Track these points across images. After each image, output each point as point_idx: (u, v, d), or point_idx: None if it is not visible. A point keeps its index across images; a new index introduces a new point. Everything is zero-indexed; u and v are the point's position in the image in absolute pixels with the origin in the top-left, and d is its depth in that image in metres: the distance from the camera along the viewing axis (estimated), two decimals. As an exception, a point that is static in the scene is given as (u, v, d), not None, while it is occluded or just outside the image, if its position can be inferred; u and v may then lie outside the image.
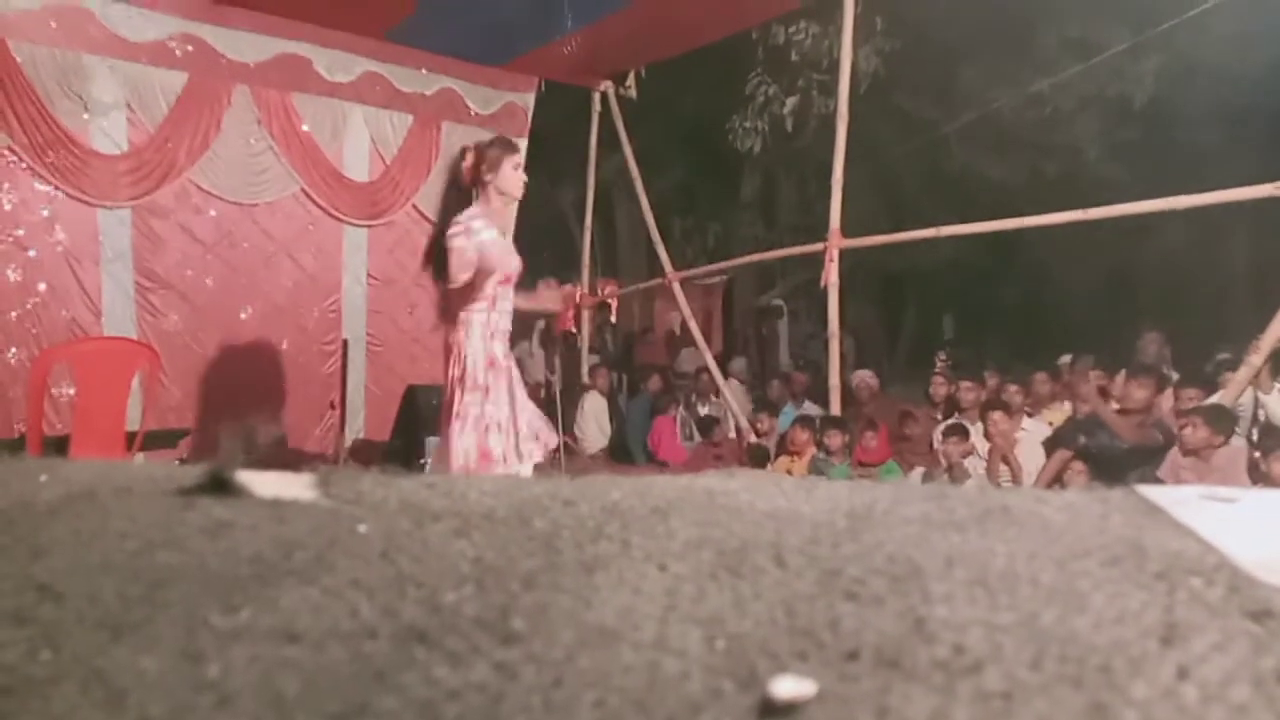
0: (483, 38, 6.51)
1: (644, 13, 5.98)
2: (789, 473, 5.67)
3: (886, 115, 10.15)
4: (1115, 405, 5.35)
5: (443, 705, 0.46)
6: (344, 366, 6.43)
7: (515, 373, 3.56)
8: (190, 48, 5.83)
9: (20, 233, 5.43)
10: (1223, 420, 4.60)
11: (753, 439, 6.91)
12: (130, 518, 0.73)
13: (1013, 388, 6.18)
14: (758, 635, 0.53)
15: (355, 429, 6.69)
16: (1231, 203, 4.70)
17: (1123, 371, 5.86)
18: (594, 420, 8.28)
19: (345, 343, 6.51)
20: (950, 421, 5.93)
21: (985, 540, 0.69)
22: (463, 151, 3.56)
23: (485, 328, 3.41)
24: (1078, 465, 5.00)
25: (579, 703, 0.46)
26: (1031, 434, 5.55)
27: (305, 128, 6.36)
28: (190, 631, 0.53)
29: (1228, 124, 9.05)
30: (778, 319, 13.66)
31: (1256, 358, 4.67)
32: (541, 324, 9.83)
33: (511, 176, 3.53)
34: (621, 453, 7.96)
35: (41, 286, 5.50)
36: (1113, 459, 4.89)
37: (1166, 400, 5.41)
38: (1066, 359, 6.94)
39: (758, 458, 6.49)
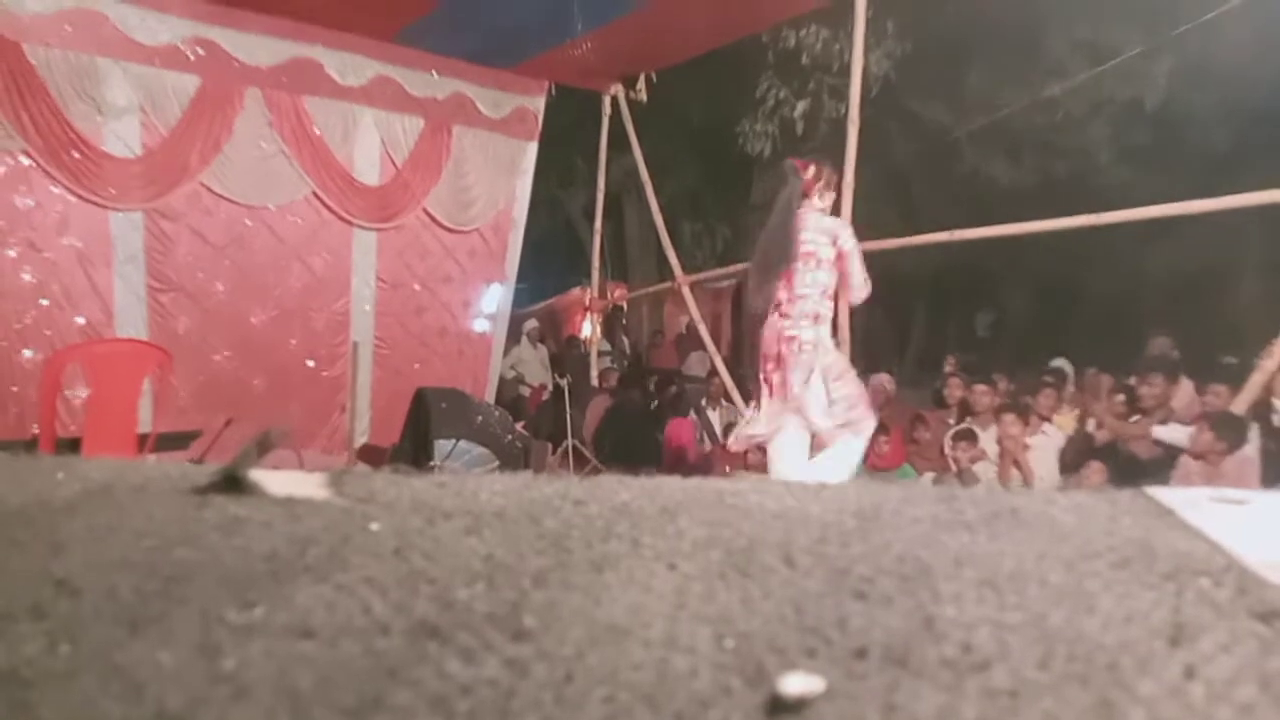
0: (493, 41, 6.53)
1: (654, 17, 5.98)
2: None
3: (897, 119, 10.13)
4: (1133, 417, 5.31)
5: (455, 700, 0.46)
6: (352, 369, 6.45)
7: None
8: (203, 51, 5.86)
9: (34, 235, 5.47)
10: (1229, 428, 4.56)
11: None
12: (147, 515, 0.73)
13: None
14: (766, 633, 0.54)
15: (361, 431, 6.71)
16: (1245, 207, 4.67)
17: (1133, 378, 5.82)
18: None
19: (354, 345, 6.53)
20: (960, 426, 5.90)
21: (994, 541, 0.69)
22: (807, 164, 3.75)
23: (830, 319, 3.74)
24: (1095, 466, 4.96)
25: (589, 699, 0.47)
26: (1049, 438, 5.51)
27: (316, 131, 6.38)
28: (206, 627, 0.53)
29: (1241, 128, 9.00)
30: (787, 322, 13.60)
31: (1270, 362, 4.63)
32: (532, 325, 9.79)
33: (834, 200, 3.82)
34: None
35: (54, 288, 5.54)
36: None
37: (1181, 398, 5.38)
38: (1060, 363, 6.88)
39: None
